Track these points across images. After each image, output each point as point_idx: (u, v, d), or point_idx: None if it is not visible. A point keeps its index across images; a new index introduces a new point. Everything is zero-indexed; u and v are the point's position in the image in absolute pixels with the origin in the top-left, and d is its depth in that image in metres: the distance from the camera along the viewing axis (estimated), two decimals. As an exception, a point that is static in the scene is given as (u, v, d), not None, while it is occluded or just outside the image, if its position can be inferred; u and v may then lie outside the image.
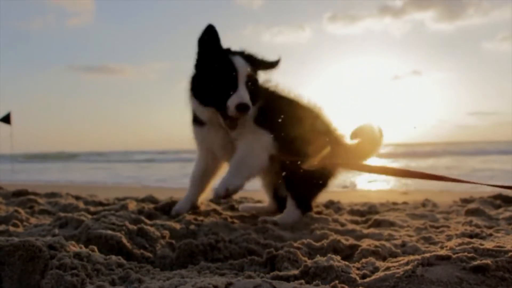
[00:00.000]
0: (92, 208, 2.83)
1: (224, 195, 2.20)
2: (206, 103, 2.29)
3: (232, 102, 2.15)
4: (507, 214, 2.59)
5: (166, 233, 1.99)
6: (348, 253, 1.75)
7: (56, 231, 1.94)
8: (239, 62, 2.22)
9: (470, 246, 1.42)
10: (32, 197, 3.19)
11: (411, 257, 1.40)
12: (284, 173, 2.42)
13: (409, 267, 1.26)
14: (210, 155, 2.57)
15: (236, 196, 3.70)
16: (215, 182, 2.65)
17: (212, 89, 2.23)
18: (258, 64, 2.35)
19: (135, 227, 1.93)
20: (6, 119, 13.39)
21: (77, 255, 1.44)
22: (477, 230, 2.02)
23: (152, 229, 1.96)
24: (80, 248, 1.54)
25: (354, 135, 2.58)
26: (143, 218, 2.22)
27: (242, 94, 2.16)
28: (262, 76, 2.41)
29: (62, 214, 2.19)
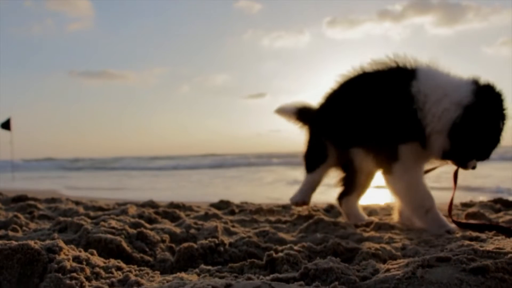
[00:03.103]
0: (92, 213, 2.83)
1: None
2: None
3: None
4: (507, 217, 2.59)
5: (166, 237, 1.99)
6: (349, 256, 1.75)
7: (56, 235, 1.93)
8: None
9: (470, 248, 1.42)
10: (32, 202, 3.19)
11: (411, 259, 1.39)
12: None
13: (409, 268, 1.25)
14: None
15: (237, 201, 3.72)
16: None
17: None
18: None
19: (134, 231, 1.92)
20: (6, 125, 13.43)
21: (76, 258, 1.44)
22: (477, 233, 2.02)
23: (152, 233, 1.96)
24: (80, 252, 1.53)
25: None
26: (143, 222, 2.22)
27: None
28: None
29: (61, 219, 2.19)
